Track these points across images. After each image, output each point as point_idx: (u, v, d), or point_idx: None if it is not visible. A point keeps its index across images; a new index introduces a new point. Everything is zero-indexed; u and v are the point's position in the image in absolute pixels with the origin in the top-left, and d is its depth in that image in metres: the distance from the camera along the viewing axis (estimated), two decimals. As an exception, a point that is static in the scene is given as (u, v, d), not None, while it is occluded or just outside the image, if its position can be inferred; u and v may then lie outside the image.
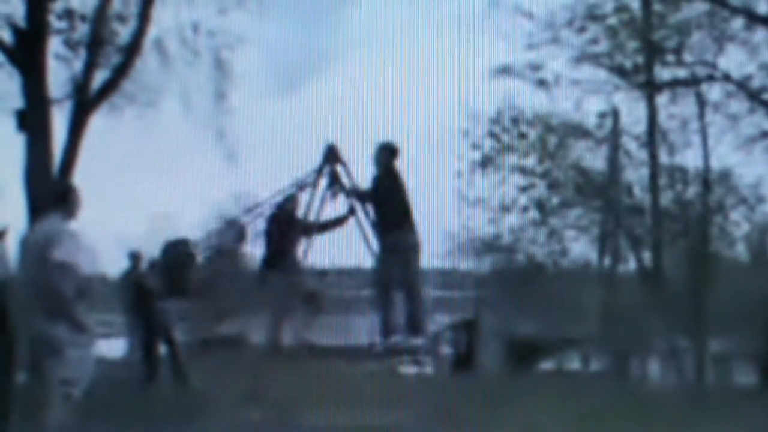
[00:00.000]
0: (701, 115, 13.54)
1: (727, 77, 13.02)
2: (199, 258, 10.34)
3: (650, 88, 13.52)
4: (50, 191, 6.22)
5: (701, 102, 13.51)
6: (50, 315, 5.23)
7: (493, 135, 13.60)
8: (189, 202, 10.13)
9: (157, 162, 11.40)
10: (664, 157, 13.82)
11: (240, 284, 14.86)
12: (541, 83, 13.19)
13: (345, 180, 8.56)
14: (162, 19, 12.30)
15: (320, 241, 8.64)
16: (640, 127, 13.81)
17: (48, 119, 11.58)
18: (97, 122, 12.15)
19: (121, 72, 12.14)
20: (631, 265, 14.26)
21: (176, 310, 10.83)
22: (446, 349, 10.93)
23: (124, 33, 12.33)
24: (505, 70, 12.90)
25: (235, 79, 12.35)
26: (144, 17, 12.09)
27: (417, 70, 9.21)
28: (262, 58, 12.03)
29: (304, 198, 8.61)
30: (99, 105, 12.10)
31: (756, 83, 12.88)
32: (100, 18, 12.14)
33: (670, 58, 13.34)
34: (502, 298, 14.16)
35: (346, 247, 8.67)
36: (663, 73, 13.64)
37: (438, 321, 10.30)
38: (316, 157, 8.57)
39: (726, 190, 13.74)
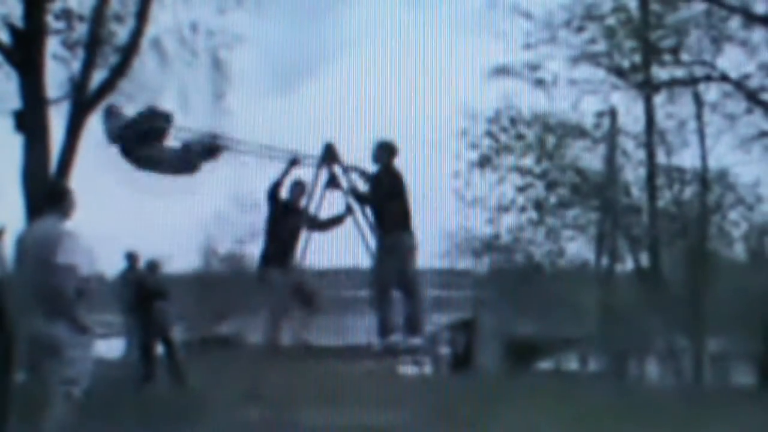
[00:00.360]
0: (699, 115, 13.56)
1: (724, 77, 13.03)
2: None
3: (648, 88, 13.53)
4: (45, 192, 6.21)
5: (699, 102, 13.52)
6: (51, 315, 5.23)
7: (491, 135, 13.62)
8: (187, 201, 10.10)
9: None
10: (661, 157, 13.84)
11: (238, 284, 14.88)
12: (539, 83, 13.21)
13: (342, 180, 8.56)
14: (160, 19, 12.30)
15: (318, 240, 8.64)
16: (638, 127, 13.84)
17: (46, 120, 11.57)
18: (95, 122, 12.15)
19: (119, 72, 12.13)
20: (629, 265, 14.28)
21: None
22: (444, 349, 10.94)
23: (122, 33, 12.33)
24: (503, 70, 12.92)
25: (233, 79, 12.35)
26: (142, 17, 12.08)
27: (415, 69, 9.20)
28: (259, 58, 12.03)
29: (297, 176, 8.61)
30: (97, 105, 12.08)
31: (754, 83, 12.89)
32: (98, 18, 12.13)
33: (668, 57, 13.36)
34: (501, 298, 14.17)
35: (344, 247, 8.67)
36: (661, 73, 13.66)
37: (436, 321, 10.30)
38: (315, 156, 8.56)
39: (724, 189, 13.75)
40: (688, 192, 13.89)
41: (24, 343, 5.48)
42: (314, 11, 10.42)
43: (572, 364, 14.84)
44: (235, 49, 12.35)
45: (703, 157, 13.61)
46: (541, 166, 13.85)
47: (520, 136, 13.78)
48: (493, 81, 12.88)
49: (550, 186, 13.82)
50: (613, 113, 13.81)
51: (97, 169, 11.78)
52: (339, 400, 7.80)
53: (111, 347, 11.23)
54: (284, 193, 8.59)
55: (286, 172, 8.51)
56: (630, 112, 13.76)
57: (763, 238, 14.03)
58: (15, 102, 11.50)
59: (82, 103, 11.93)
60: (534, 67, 13.16)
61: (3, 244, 5.97)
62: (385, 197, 8.17)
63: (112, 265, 11.84)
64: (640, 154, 13.89)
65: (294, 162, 8.49)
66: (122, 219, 12.37)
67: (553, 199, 13.90)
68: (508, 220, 13.77)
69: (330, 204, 8.69)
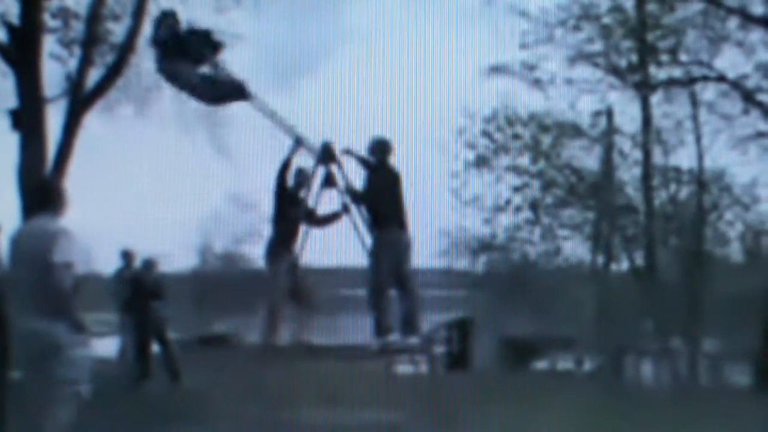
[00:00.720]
0: (695, 115, 13.57)
1: (721, 77, 13.05)
2: None
3: (645, 88, 13.53)
4: (35, 191, 6.17)
5: (695, 102, 13.54)
6: (50, 315, 5.21)
7: (487, 134, 13.62)
8: (184, 200, 10.09)
9: (152, 160, 11.38)
10: (658, 157, 13.85)
11: (235, 283, 14.88)
12: (536, 82, 13.21)
13: (339, 179, 8.56)
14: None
15: (315, 239, 8.65)
16: (634, 127, 13.83)
17: (42, 118, 11.56)
18: (92, 121, 12.15)
19: (115, 70, 12.12)
20: (625, 264, 14.30)
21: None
22: (441, 349, 10.95)
23: (118, 31, 12.32)
24: (499, 70, 12.91)
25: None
26: (138, 15, 12.08)
27: (412, 68, 9.20)
28: (257, 56, 12.01)
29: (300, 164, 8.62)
30: (93, 104, 12.08)
31: (751, 83, 12.90)
32: (94, 16, 12.11)
33: (665, 57, 13.37)
34: (497, 297, 14.18)
35: (340, 246, 8.67)
36: (657, 73, 13.67)
37: (433, 320, 10.31)
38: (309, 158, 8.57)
39: (720, 190, 13.77)
40: (685, 192, 13.91)
41: (21, 342, 5.47)
42: (312, 10, 10.42)
43: (568, 363, 14.86)
44: (233, 48, 12.34)
45: (700, 158, 13.63)
46: (537, 166, 13.86)
47: (516, 136, 13.79)
48: (490, 80, 12.88)
49: (547, 186, 13.83)
50: (609, 113, 13.82)
51: (93, 167, 11.81)
52: (336, 399, 7.81)
53: (106, 346, 11.22)
54: (290, 177, 8.60)
55: (292, 152, 8.53)
56: (626, 112, 13.78)
57: (758, 238, 14.05)
58: (11, 100, 11.50)
59: (78, 101, 11.93)
60: (531, 66, 13.17)
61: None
62: (380, 194, 8.18)
63: (108, 264, 11.85)
64: (637, 154, 13.90)
65: (299, 142, 8.50)
66: (119, 217, 12.36)
67: (549, 199, 13.91)
68: (505, 219, 13.78)
69: (327, 203, 8.71)
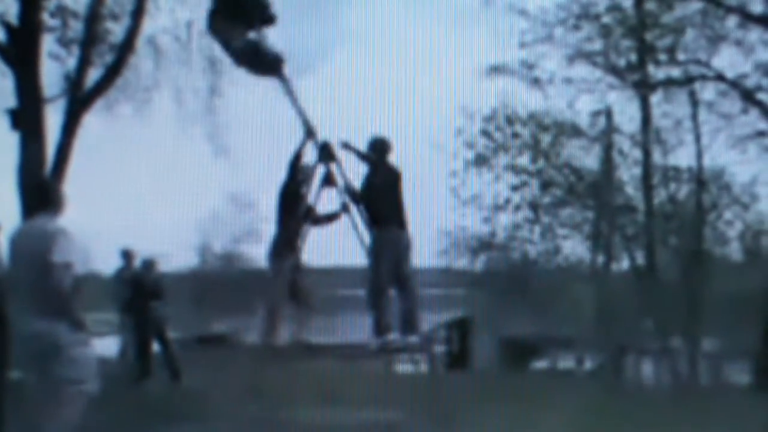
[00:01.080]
0: (694, 115, 13.57)
1: (720, 77, 13.05)
2: None
3: (644, 88, 13.53)
4: (33, 191, 6.15)
5: (694, 101, 13.54)
6: (50, 315, 5.21)
7: (486, 133, 13.62)
8: (183, 200, 10.10)
9: (151, 160, 11.39)
10: (657, 157, 13.85)
11: (234, 282, 14.87)
12: (535, 82, 13.21)
13: (339, 178, 8.57)
14: (156, 17, 12.29)
15: (314, 238, 8.65)
16: (634, 126, 13.83)
17: (42, 118, 11.56)
18: (91, 120, 12.15)
19: (114, 70, 12.12)
20: (625, 264, 14.30)
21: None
22: (440, 348, 10.95)
23: (117, 31, 12.31)
24: (499, 69, 12.92)
25: (230, 76, 12.34)
26: (137, 15, 12.08)
27: (411, 67, 9.21)
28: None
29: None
30: (93, 103, 12.08)
31: (750, 82, 12.90)
32: (93, 16, 12.11)
33: (664, 57, 13.37)
34: (496, 296, 14.18)
35: (340, 246, 8.67)
36: (657, 73, 13.67)
37: (432, 320, 10.31)
38: (311, 155, 8.57)
39: (719, 189, 13.78)
40: (684, 191, 13.91)
41: (22, 342, 5.47)
42: (310, 8, 10.41)
43: (568, 363, 14.85)
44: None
45: (699, 157, 13.63)
46: (536, 165, 13.87)
47: (515, 135, 13.79)
48: (490, 79, 12.88)
49: (546, 185, 13.83)
50: (608, 112, 13.82)
51: (92, 167, 11.81)
52: (335, 399, 7.81)
53: (106, 345, 11.22)
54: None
55: (303, 143, 8.54)
56: (626, 111, 13.78)
57: (758, 237, 14.05)
58: (11, 100, 11.49)
59: (77, 101, 11.92)
60: (530, 65, 13.17)
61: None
62: (380, 193, 8.17)
63: (107, 263, 11.85)
64: (636, 154, 13.90)
65: (310, 133, 8.50)
66: (119, 217, 12.36)
67: (548, 198, 13.91)
68: (504, 218, 13.78)
69: (326, 203, 8.71)
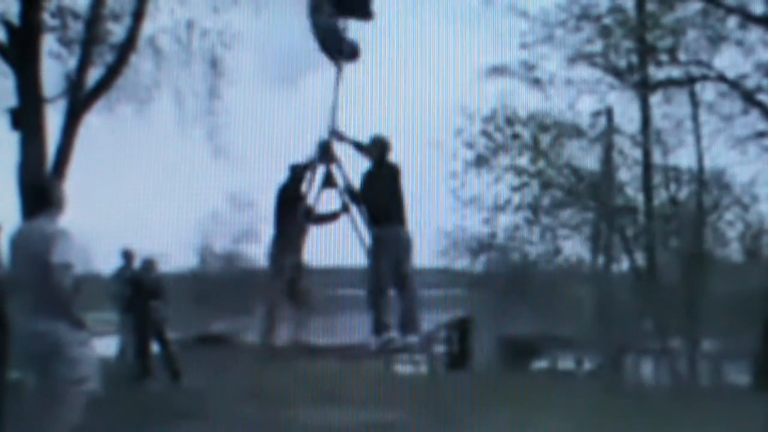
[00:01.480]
0: (695, 115, 13.56)
1: (721, 77, 13.05)
2: None
3: (644, 88, 13.53)
4: (32, 192, 6.12)
5: (695, 102, 13.53)
6: (51, 315, 5.22)
7: (486, 134, 13.61)
8: (183, 200, 10.09)
9: (151, 160, 11.38)
10: (657, 157, 13.85)
11: (234, 282, 14.87)
12: (536, 82, 13.20)
13: (339, 178, 8.58)
14: (156, 17, 12.30)
15: (314, 238, 8.65)
16: (634, 127, 13.83)
17: (42, 118, 11.57)
18: (92, 120, 12.15)
19: (115, 70, 12.12)
20: (625, 264, 14.29)
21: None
22: (440, 348, 10.94)
23: (118, 31, 12.32)
24: (499, 69, 12.91)
25: (230, 77, 12.35)
26: (138, 15, 12.08)
27: (411, 67, 9.21)
28: (257, 55, 12.01)
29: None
30: (93, 103, 12.09)
31: (751, 83, 12.90)
32: (94, 16, 12.11)
33: (664, 57, 13.36)
34: (496, 297, 14.17)
35: (339, 246, 8.67)
36: (657, 73, 13.66)
37: (432, 320, 10.31)
38: (311, 154, 8.58)
39: (720, 190, 13.77)
40: (684, 192, 13.91)
41: (23, 343, 5.47)
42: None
43: (568, 363, 14.85)
44: (233, 47, 12.35)
45: (699, 158, 13.63)
46: (536, 166, 13.86)
47: (516, 136, 13.78)
48: (490, 80, 12.88)
49: (546, 186, 13.82)
50: (609, 113, 13.81)
51: (93, 167, 11.81)
52: (334, 399, 7.81)
53: (105, 345, 11.22)
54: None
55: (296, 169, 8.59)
56: (626, 112, 13.77)
57: (758, 238, 14.04)
58: (11, 99, 11.50)
59: (78, 100, 11.93)
60: (530, 66, 13.16)
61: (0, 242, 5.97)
62: (379, 192, 8.18)
63: (107, 263, 11.86)
64: (636, 154, 13.89)
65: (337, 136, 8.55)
66: (118, 217, 12.34)
67: (548, 199, 13.90)
68: (504, 219, 13.77)
69: (326, 202, 8.72)
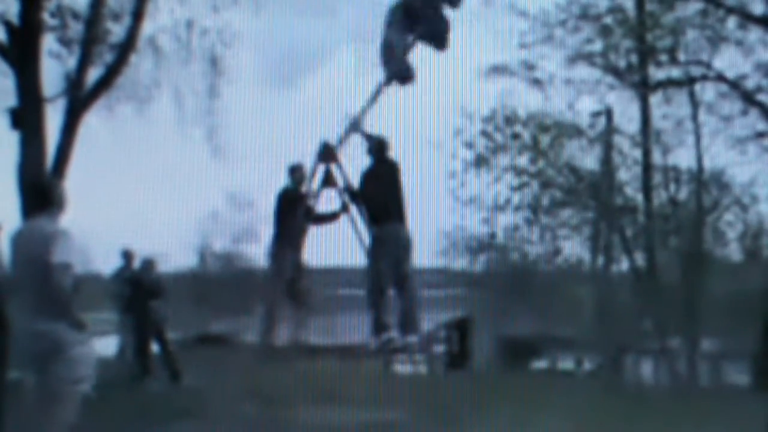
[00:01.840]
0: (695, 115, 13.56)
1: (721, 77, 13.05)
2: None
3: (644, 88, 13.53)
4: (32, 191, 6.10)
5: (695, 102, 13.53)
6: (52, 315, 5.22)
7: (486, 134, 13.60)
8: (182, 199, 10.10)
9: (151, 159, 11.38)
10: (657, 157, 13.84)
11: (234, 282, 14.87)
12: (535, 82, 13.20)
13: (339, 178, 8.59)
14: (156, 17, 12.30)
15: (314, 238, 8.66)
16: (634, 127, 13.83)
17: (42, 117, 11.57)
18: (92, 120, 12.16)
19: (115, 70, 12.13)
20: (624, 264, 14.28)
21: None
22: (440, 348, 10.95)
23: (118, 31, 12.32)
24: (498, 69, 12.91)
25: (230, 76, 12.35)
26: (138, 15, 12.08)
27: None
28: (257, 55, 12.02)
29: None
30: (93, 103, 12.09)
31: (750, 83, 12.90)
32: (94, 16, 12.11)
33: (664, 58, 13.36)
34: (496, 297, 14.17)
35: (339, 246, 8.68)
36: (657, 73, 13.67)
37: (432, 320, 10.32)
38: (311, 154, 8.59)
39: (719, 190, 13.77)
40: (684, 192, 13.91)
41: (23, 343, 5.47)
42: (310, 8, 10.42)
43: (567, 363, 14.85)
44: (233, 47, 12.36)
45: (699, 158, 13.63)
46: (536, 166, 13.85)
47: (515, 136, 13.78)
48: (489, 80, 12.87)
49: (546, 185, 13.82)
50: (609, 113, 13.81)
51: (93, 167, 11.81)
52: (334, 399, 7.81)
53: (105, 345, 11.23)
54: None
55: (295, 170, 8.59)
56: (626, 112, 13.77)
57: (757, 238, 14.04)
58: (11, 99, 11.50)
59: (78, 100, 11.93)
60: (530, 66, 13.16)
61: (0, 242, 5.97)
62: (379, 190, 8.19)
63: (106, 263, 11.86)
64: (636, 154, 13.89)
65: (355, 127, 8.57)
66: (118, 216, 12.34)
67: (548, 199, 13.90)
68: (504, 219, 13.77)
69: (326, 202, 8.72)
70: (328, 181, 8.56)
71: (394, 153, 8.38)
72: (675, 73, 13.53)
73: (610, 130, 13.87)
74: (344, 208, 8.55)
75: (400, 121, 8.84)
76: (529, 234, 13.95)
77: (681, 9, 13.16)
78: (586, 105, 13.60)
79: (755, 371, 12.52)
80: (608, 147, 13.93)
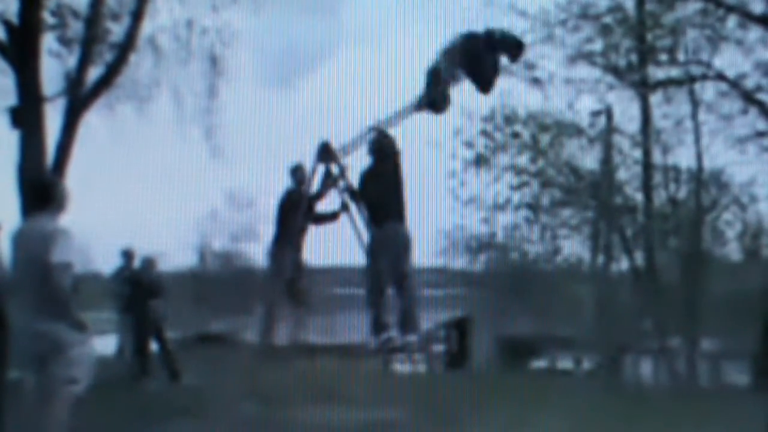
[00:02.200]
0: (694, 115, 13.56)
1: (721, 77, 13.05)
2: None
3: (644, 88, 13.53)
4: (34, 189, 6.09)
5: (695, 101, 13.53)
6: (53, 315, 5.22)
7: (486, 133, 13.60)
8: (182, 199, 10.10)
9: (151, 159, 11.39)
10: (657, 157, 13.84)
11: (233, 281, 14.87)
12: (535, 82, 13.19)
13: (338, 177, 8.58)
14: (156, 16, 12.30)
15: (313, 237, 8.66)
16: (634, 126, 13.82)
17: (42, 116, 11.57)
18: (92, 119, 12.16)
19: (115, 69, 12.13)
20: (624, 264, 14.28)
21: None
22: (439, 347, 10.94)
23: (118, 30, 12.33)
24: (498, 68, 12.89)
25: (229, 76, 12.35)
26: (138, 14, 12.09)
27: (410, 66, 9.21)
28: (256, 54, 12.02)
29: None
30: (93, 102, 12.09)
31: (750, 83, 12.90)
32: (94, 14, 12.12)
33: (664, 57, 13.36)
34: (495, 296, 14.16)
35: (338, 245, 8.68)
36: (657, 73, 13.66)
37: (431, 319, 10.32)
38: (311, 154, 8.59)
39: (719, 189, 13.77)
40: (684, 191, 13.91)
41: (23, 342, 5.47)
42: (310, 7, 10.42)
43: (567, 362, 14.85)
44: (232, 46, 12.36)
45: (699, 157, 13.63)
46: (536, 165, 13.85)
47: (515, 135, 13.77)
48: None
49: (545, 185, 13.82)
50: (608, 112, 13.81)
51: (92, 166, 11.82)
52: (333, 398, 7.81)
53: (104, 344, 11.23)
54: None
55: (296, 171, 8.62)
56: (626, 111, 13.77)
57: (757, 237, 14.04)
58: (11, 98, 11.51)
59: (77, 99, 11.93)
60: (530, 65, 13.14)
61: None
62: (378, 190, 8.19)
63: (106, 262, 11.87)
64: (636, 154, 13.89)
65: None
66: (118, 215, 12.35)
67: (548, 198, 13.90)
68: (504, 218, 13.77)
69: (326, 202, 8.73)
70: (327, 180, 8.57)
71: (397, 151, 8.39)
72: (675, 72, 13.54)
73: (610, 129, 13.87)
74: (344, 208, 8.56)
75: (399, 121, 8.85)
76: (528, 233, 13.96)
77: (681, 8, 13.17)
78: (586, 104, 13.61)
79: (755, 371, 12.52)
80: (608, 146, 13.93)
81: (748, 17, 12.73)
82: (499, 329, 13.50)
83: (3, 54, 11.49)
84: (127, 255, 11.48)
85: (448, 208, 12.57)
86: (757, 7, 12.68)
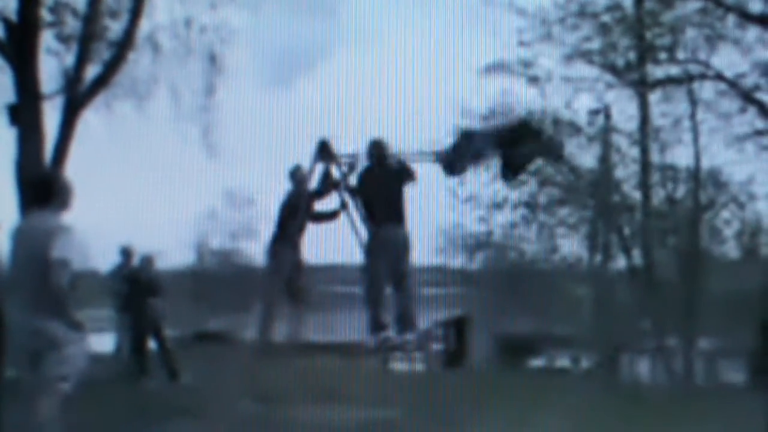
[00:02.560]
0: (693, 114, 13.57)
1: (719, 76, 13.06)
2: None
3: (642, 86, 13.53)
4: (35, 185, 6.05)
5: (693, 100, 13.54)
6: (50, 312, 5.21)
7: (485, 132, 13.59)
8: (181, 197, 10.11)
9: (150, 157, 11.39)
10: (655, 155, 13.85)
11: (231, 279, 14.87)
12: (533, 80, 13.20)
13: (337, 176, 8.59)
14: (154, 14, 12.30)
15: (311, 235, 8.67)
16: (632, 125, 13.83)
17: (40, 114, 11.57)
18: (90, 117, 12.15)
19: (113, 67, 12.12)
20: (622, 263, 14.29)
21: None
22: (437, 346, 10.95)
23: (116, 28, 12.32)
24: (497, 67, 12.91)
25: (227, 74, 12.35)
26: (136, 12, 12.08)
27: (409, 66, 9.21)
28: (255, 53, 12.02)
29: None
30: (91, 100, 12.08)
31: (748, 82, 12.91)
32: (92, 12, 12.11)
33: (663, 56, 13.37)
34: (493, 295, 14.17)
35: (338, 244, 8.69)
36: (655, 71, 13.67)
37: (429, 318, 10.33)
38: (309, 153, 8.60)
39: (717, 188, 13.78)
40: (682, 190, 13.91)
41: (19, 339, 5.46)
42: (309, 7, 10.42)
43: (565, 361, 14.86)
44: (231, 45, 12.36)
45: (697, 156, 13.64)
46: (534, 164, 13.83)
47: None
48: (488, 78, 12.86)
49: (543, 183, 13.82)
50: (607, 111, 13.81)
51: (90, 164, 11.81)
52: (332, 396, 7.81)
53: (104, 342, 11.23)
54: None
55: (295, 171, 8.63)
56: (624, 110, 13.78)
57: (755, 236, 14.05)
58: (9, 96, 11.50)
59: (76, 97, 11.92)
60: (528, 64, 13.16)
61: (-1, 239, 5.96)
62: (378, 190, 8.20)
63: (104, 260, 11.86)
64: (634, 152, 13.90)
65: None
66: (116, 213, 12.35)
67: (545, 197, 13.90)
68: (502, 217, 13.77)
69: (324, 200, 8.73)
70: (328, 181, 8.58)
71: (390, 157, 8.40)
72: (673, 71, 13.54)
73: (609, 128, 13.87)
74: (343, 207, 8.56)
75: (399, 121, 8.85)
76: (526, 232, 13.96)
77: (680, 7, 13.18)
78: (585, 103, 13.62)
79: (752, 370, 12.52)
80: (606, 145, 13.93)
81: (746, 17, 12.74)
82: (497, 328, 13.50)
83: (1, 51, 11.49)
84: (126, 253, 11.47)
85: (446, 207, 12.59)
86: (755, 7, 12.71)
